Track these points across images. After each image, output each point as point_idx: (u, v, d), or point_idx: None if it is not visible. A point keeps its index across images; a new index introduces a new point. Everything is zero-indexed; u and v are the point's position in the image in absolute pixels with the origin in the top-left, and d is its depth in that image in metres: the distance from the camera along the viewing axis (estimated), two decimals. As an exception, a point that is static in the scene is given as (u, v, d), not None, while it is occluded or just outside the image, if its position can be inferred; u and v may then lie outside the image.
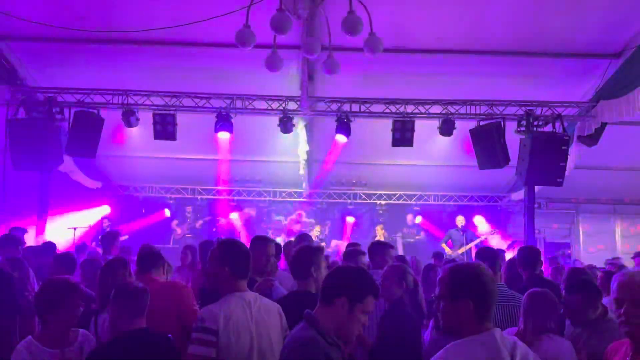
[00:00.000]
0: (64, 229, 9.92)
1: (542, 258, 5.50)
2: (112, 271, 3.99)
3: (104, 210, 12.69)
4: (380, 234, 12.56)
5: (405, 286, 3.83)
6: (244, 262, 3.00)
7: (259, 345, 2.86)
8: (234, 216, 13.56)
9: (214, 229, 13.42)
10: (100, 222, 12.36)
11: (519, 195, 11.50)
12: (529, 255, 5.10)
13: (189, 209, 13.58)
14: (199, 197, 13.43)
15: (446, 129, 8.71)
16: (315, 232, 12.70)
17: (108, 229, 10.93)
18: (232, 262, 2.96)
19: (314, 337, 2.35)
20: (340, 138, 9.02)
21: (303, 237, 5.70)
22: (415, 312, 3.86)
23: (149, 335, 3.09)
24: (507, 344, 2.06)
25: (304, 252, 3.61)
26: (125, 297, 3.08)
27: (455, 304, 2.12)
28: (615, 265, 7.47)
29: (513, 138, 8.64)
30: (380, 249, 5.08)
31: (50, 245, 6.89)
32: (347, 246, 6.37)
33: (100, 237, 9.01)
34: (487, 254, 4.43)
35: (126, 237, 10.78)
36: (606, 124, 8.38)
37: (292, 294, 3.62)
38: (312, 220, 13.68)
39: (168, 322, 3.56)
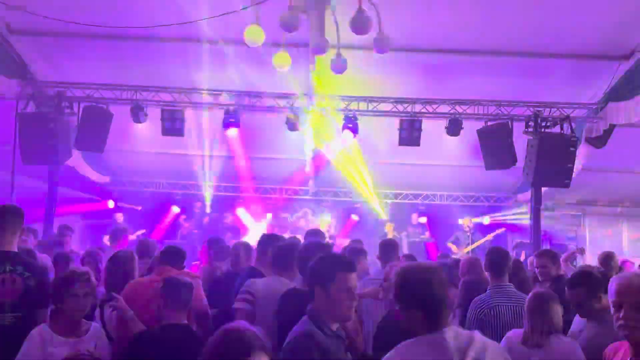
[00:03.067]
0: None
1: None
2: (120, 263, 4.08)
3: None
4: (390, 232, 12.54)
5: None
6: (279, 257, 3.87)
7: None
8: (241, 212, 13.60)
9: (221, 225, 13.44)
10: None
11: (526, 196, 11.44)
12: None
13: (198, 204, 13.60)
14: (205, 193, 13.45)
15: (453, 128, 8.69)
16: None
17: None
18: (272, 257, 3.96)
19: (308, 331, 2.50)
20: (347, 136, 9.02)
21: (314, 232, 5.55)
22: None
23: (189, 331, 3.37)
24: (461, 342, 2.04)
25: (316, 248, 3.55)
26: (172, 290, 3.35)
27: (406, 312, 2.14)
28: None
29: (520, 139, 8.61)
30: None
31: None
32: (351, 243, 6.36)
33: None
34: (497, 254, 4.41)
35: (144, 231, 11.17)
36: (614, 125, 8.34)
37: (292, 291, 3.53)
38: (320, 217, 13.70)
39: None
